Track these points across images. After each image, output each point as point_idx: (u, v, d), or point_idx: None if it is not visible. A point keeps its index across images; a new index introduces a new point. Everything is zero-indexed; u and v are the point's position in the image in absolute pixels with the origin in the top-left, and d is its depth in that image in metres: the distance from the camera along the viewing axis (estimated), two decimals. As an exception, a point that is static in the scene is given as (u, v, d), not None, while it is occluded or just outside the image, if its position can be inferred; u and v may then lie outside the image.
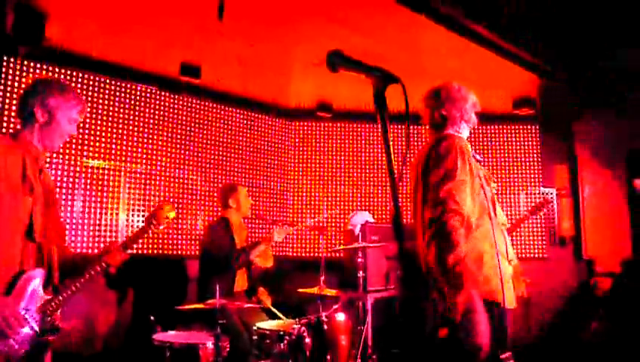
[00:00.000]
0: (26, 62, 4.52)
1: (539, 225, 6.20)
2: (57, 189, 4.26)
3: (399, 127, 6.28)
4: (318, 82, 5.61)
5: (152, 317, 3.50)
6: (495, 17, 4.27)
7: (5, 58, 4.42)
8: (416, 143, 6.26)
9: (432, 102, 2.54)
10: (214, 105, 5.76)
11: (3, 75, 4.39)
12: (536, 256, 6.17)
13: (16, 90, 4.44)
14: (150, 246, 5.04)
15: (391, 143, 1.30)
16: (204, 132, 5.65)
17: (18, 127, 2.25)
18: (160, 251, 5.09)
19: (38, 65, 4.59)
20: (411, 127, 5.94)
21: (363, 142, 6.45)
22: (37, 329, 1.98)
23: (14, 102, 4.41)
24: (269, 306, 4.28)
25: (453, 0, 4.03)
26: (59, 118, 2.17)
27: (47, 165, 2.32)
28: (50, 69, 4.66)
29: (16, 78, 4.46)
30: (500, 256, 2.29)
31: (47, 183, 2.22)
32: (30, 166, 2.11)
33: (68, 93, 2.22)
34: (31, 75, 4.53)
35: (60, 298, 2.10)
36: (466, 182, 2.24)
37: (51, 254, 2.16)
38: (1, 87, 4.36)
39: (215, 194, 5.55)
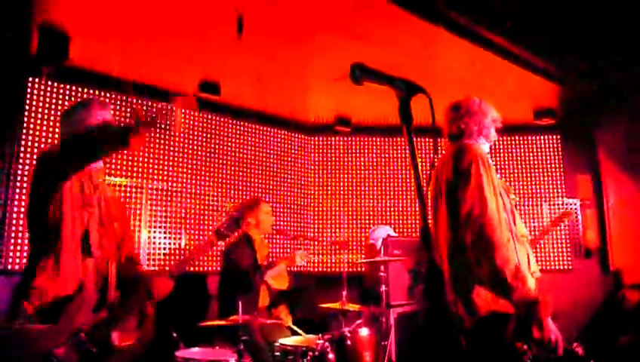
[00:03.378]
0: (49, 83, 4.62)
1: (563, 237, 6.09)
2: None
3: (420, 139, 6.23)
4: (336, 96, 5.62)
5: (174, 334, 3.50)
6: (513, 26, 4.24)
7: (30, 79, 4.52)
8: (439, 155, 6.22)
9: (452, 115, 2.55)
10: (234, 122, 5.82)
11: (28, 96, 4.49)
12: (561, 268, 6.05)
13: (40, 109, 4.53)
14: (172, 262, 5.06)
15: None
16: (224, 148, 5.70)
17: None
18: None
19: (61, 86, 4.69)
20: (435, 138, 5.89)
21: (383, 155, 6.43)
22: (88, 348, 1.96)
23: (39, 121, 4.51)
24: (289, 325, 4.24)
25: (470, 10, 4.02)
26: (87, 125, 2.24)
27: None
28: (73, 88, 4.74)
29: (40, 98, 4.56)
30: (522, 267, 2.26)
31: (104, 200, 2.27)
32: (86, 183, 2.20)
33: (88, 104, 2.33)
34: (54, 95, 4.63)
35: (114, 316, 2.10)
36: (491, 191, 2.22)
37: (108, 270, 2.18)
38: (27, 107, 4.46)
39: (235, 209, 5.58)
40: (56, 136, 4.54)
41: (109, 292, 2.17)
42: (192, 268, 5.18)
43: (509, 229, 2.29)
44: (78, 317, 1.98)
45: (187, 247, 5.13)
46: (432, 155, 1.86)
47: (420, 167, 1.27)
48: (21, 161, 4.36)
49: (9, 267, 4.19)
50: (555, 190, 6.24)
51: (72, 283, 2.03)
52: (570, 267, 6.03)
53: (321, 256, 6.13)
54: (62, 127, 2.31)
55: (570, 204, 6.14)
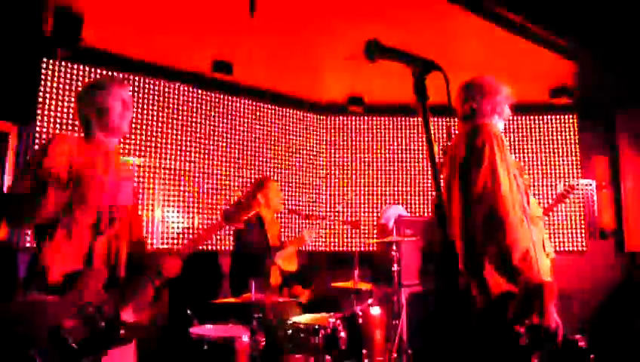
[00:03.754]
0: (63, 64, 4.64)
1: (578, 218, 6.04)
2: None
3: (435, 119, 6.16)
4: (349, 76, 5.58)
5: (189, 311, 3.55)
6: (530, 3, 4.16)
7: (44, 60, 4.55)
8: (453, 135, 6.17)
9: (464, 95, 2.52)
10: (246, 101, 5.81)
11: (42, 77, 4.52)
12: (576, 249, 6.01)
13: (55, 90, 4.56)
14: (183, 241, 5.12)
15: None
16: (237, 128, 5.71)
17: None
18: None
19: (75, 67, 4.71)
20: (449, 118, 5.85)
21: (395, 135, 6.40)
22: (96, 323, 2.01)
23: (53, 102, 4.55)
24: (305, 301, 4.28)
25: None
26: (106, 106, 2.23)
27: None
28: (87, 69, 4.77)
29: (55, 80, 4.59)
30: (536, 248, 2.24)
31: (118, 180, 2.26)
32: (101, 163, 2.19)
33: (106, 83, 2.31)
34: (68, 76, 4.66)
35: (123, 293, 2.13)
36: (504, 171, 2.20)
37: (119, 249, 2.20)
38: (41, 88, 4.50)
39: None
40: (71, 116, 4.59)
41: (119, 270, 2.19)
42: (204, 248, 5.24)
43: (522, 210, 2.27)
44: (86, 292, 2.01)
45: (197, 228, 5.17)
46: (446, 135, 1.85)
47: (434, 147, 1.26)
48: (37, 141, 4.41)
49: (27, 245, 4.27)
50: (571, 170, 6.17)
51: (80, 261, 2.05)
52: (584, 248, 5.99)
53: (333, 236, 6.16)
54: (80, 106, 2.28)
55: (586, 185, 6.07)
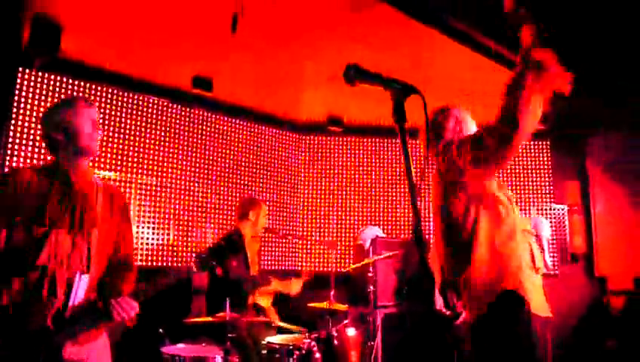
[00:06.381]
0: (40, 74, 4.57)
1: (550, 242, 6.14)
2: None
3: (414, 141, 6.23)
4: (329, 97, 5.62)
5: (161, 330, 3.48)
6: (506, 32, 4.27)
7: (20, 70, 4.47)
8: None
9: (430, 123, 2.65)
10: (225, 119, 5.79)
11: (18, 86, 4.44)
12: (548, 272, 6.09)
13: (30, 100, 4.49)
14: (157, 258, 5.04)
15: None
16: (215, 145, 5.67)
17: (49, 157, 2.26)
18: (167, 263, 5.09)
19: (52, 77, 4.64)
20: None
21: (373, 156, 6.45)
22: (34, 357, 1.92)
23: (28, 112, 4.46)
24: (279, 324, 4.23)
25: (465, 15, 4.04)
26: (75, 127, 2.16)
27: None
28: (64, 80, 4.70)
29: (31, 90, 4.51)
30: (522, 262, 2.31)
31: (82, 206, 2.16)
32: (56, 194, 2.10)
33: (73, 103, 2.24)
34: (45, 87, 4.59)
35: (71, 329, 2.04)
36: None
37: (70, 283, 2.07)
38: (16, 98, 4.41)
39: (224, 207, 5.57)
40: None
41: (72, 301, 2.07)
42: (178, 265, 5.17)
43: (512, 221, 2.34)
44: (30, 323, 1.95)
45: (171, 245, 5.08)
46: (425, 155, 1.90)
47: (412, 168, 1.27)
48: (9, 151, 4.32)
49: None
50: (543, 195, 6.29)
51: (27, 293, 1.98)
52: (556, 272, 6.08)
53: (310, 256, 6.13)
54: (46, 127, 2.18)
55: (558, 210, 6.19)
